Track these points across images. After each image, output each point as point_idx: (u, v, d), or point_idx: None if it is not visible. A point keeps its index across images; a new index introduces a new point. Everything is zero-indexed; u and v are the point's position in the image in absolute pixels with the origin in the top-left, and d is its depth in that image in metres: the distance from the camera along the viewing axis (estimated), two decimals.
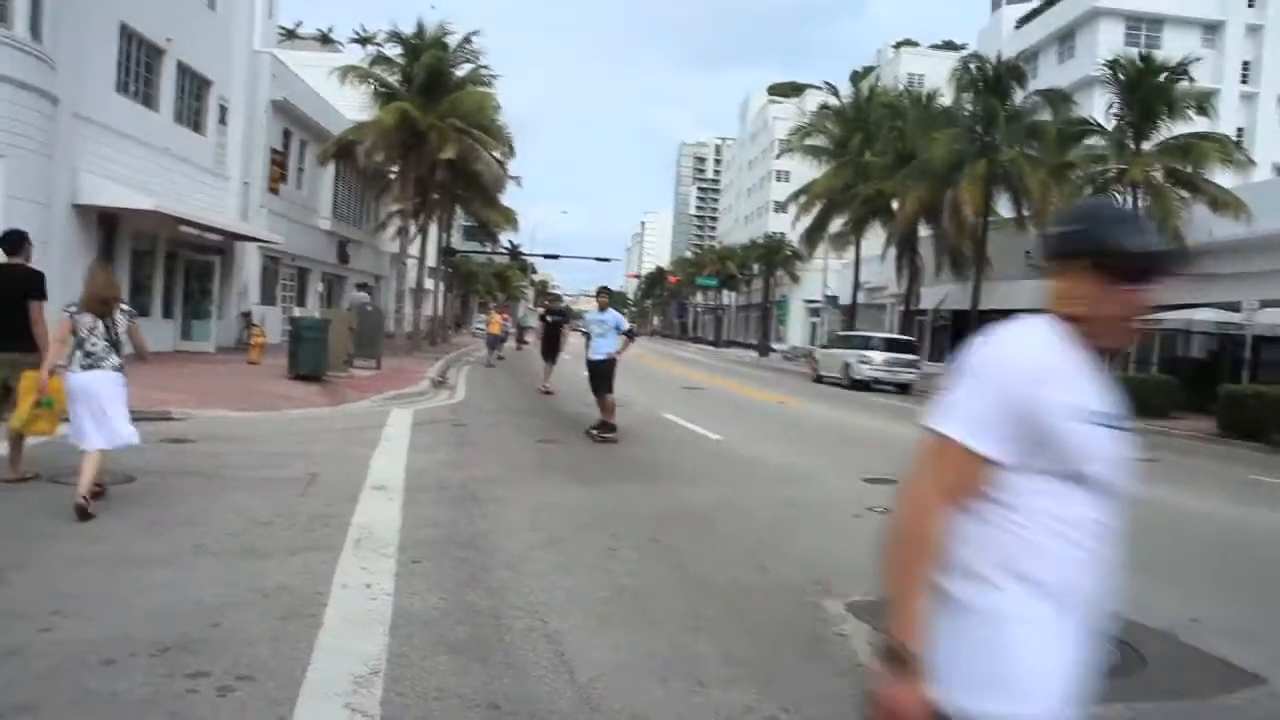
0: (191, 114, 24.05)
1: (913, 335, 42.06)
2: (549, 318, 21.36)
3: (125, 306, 7.51)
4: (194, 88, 24.00)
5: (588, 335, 13.47)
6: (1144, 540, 8.06)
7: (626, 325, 13.60)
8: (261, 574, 5.53)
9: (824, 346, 37.58)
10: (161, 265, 23.13)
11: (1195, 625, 5.53)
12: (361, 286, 33.52)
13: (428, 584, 5.54)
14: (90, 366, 7.08)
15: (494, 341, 30.39)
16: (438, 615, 5.00)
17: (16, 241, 8.18)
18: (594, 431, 12.81)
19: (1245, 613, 5.95)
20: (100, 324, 7.15)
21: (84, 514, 6.49)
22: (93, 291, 7.24)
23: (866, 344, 31.92)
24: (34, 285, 7.99)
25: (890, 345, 32.04)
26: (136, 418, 11.71)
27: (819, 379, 33.00)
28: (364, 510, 7.36)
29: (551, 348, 20.48)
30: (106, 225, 20.24)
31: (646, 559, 6.47)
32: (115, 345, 7.26)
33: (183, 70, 23.09)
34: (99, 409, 7.06)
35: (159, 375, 16.85)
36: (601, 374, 12.99)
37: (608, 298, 14.25)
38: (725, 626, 5.09)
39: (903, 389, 30.32)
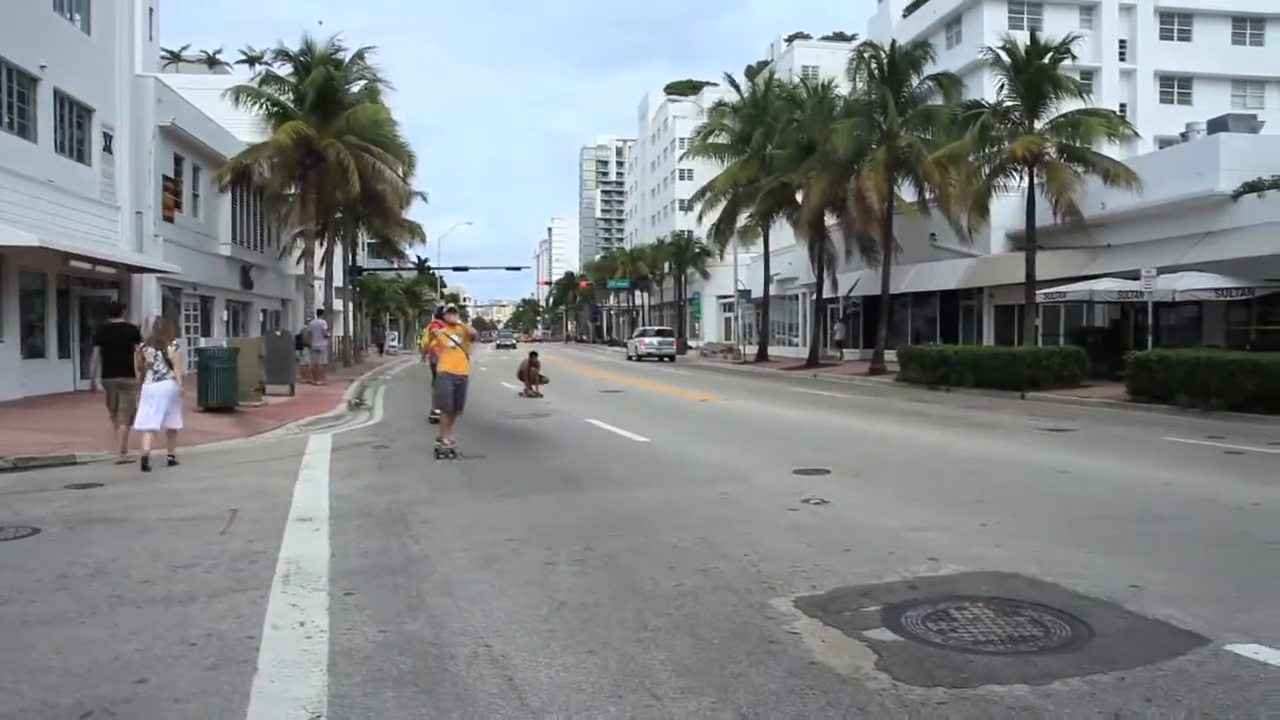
0: (74, 143, 23.06)
1: (826, 323, 42.69)
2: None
3: (176, 342, 12.01)
4: (74, 116, 23.02)
5: None
6: (1074, 511, 8.23)
7: None
8: (186, 621, 5.25)
9: (631, 338, 57.11)
10: (54, 303, 22.12)
11: (1136, 592, 5.60)
12: (319, 313, 32.52)
13: (363, 616, 5.31)
14: (158, 379, 11.47)
15: (453, 390, 12.46)
16: (377, 649, 4.79)
17: (119, 308, 13.96)
18: None
19: (1182, 576, 6.05)
20: (159, 354, 11.57)
21: (145, 467, 11.10)
22: (151, 335, 12.00)
23: (644, 334, 52.87)
24: (136, 335, 12.57)
25: (658, 333, 53.23)
26: (37, 465, 11.24)
27: (630, 358, 48.87)
28: (290, 544, 7.08)
29: None
30: None
31: (586, 571, 6.32)
32: (170, 365, 11.57)
33: (60, 98, 22.11)
34: (160, 405, 11.40)
35: (59, 418, 16.14)
36: None
37: None
38: (674, 635, 4.98)
39: (670, 359, 48.57)
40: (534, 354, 24.88)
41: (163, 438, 11.62)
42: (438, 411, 13.42)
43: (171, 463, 11.49)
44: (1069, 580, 5.88)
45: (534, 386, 23.03)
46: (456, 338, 12.70)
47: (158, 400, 11.38)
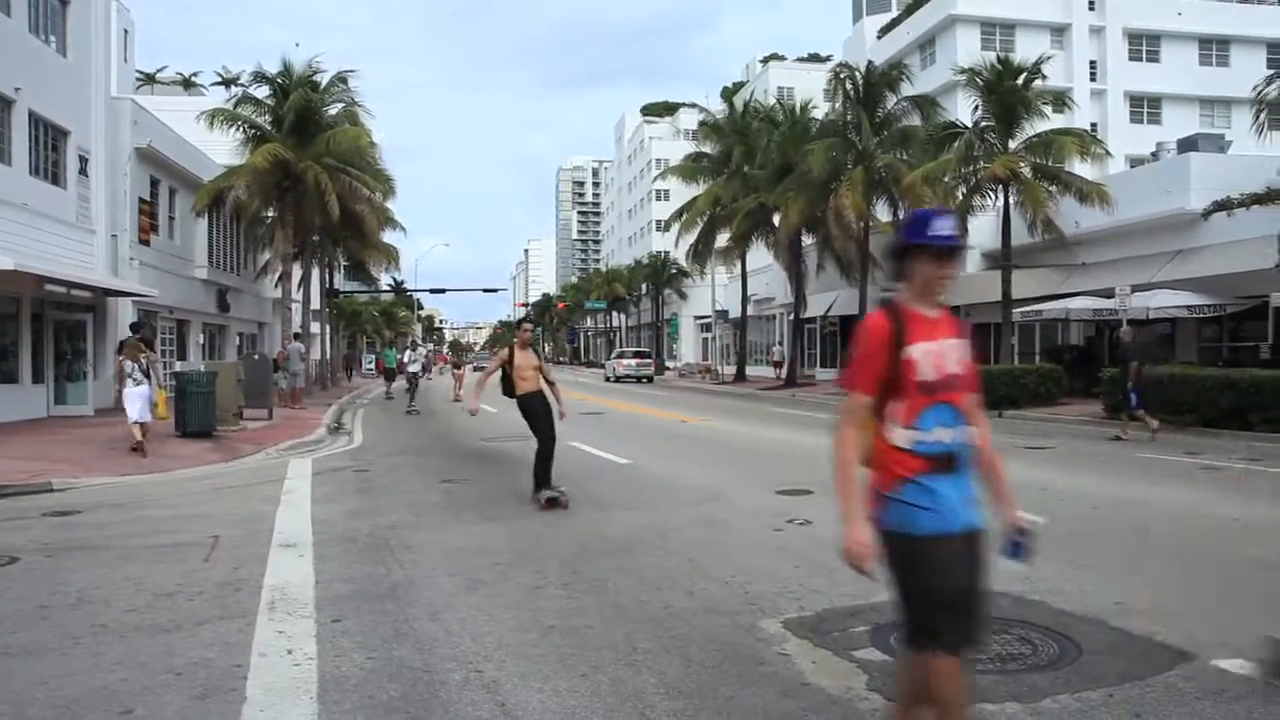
0: (49, 166, 22.90)
1: (802, 343, 42.78)
2: None
3: (149, 355, 15.08)
4: (49, 138, 22.87)
5: None
6: (1055, 528, 8.28)
7: None
8: (171, 650, 5.19)
9: (610, 359, 57.72)
10: (28, 327, 21.88)
11: (1121, 608, 5.64)
12: (297, 336, 32.57)
13: (351, 643, 5.28)
14: (137, 385, 14.57)
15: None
16: (366, 675, 4.76)
17: (138, 326, 16.36)
18: None
19: (1165, 591, 6.12)
20: (135, 365, 14.60)
21: (137, 451, 14.25)
22: (128, 350, 14.88)
23: (622, 355, 53.98)
24: (150, 345, 15.49)
25: (635, 354, 53.42)
26: (12, 493, 11.11)
27: (608, 379, 49.96)
28: (274, 570, 7.02)
29: None
30: None
31: (573, 594, 6.31)
32: (146, 374, 14.77)
33: (35, 121, 21.97)
34: (141, 403, 14.53)
35: (35, 444, 15.96)
36: None
37: None
38: (665, 657, 4.97)
39: (649, 380, 48.79)
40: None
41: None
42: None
43: (135, 449, 14.47)
44: (1054, 598, 5.92)
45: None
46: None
47: (141, 399, 14.57)
